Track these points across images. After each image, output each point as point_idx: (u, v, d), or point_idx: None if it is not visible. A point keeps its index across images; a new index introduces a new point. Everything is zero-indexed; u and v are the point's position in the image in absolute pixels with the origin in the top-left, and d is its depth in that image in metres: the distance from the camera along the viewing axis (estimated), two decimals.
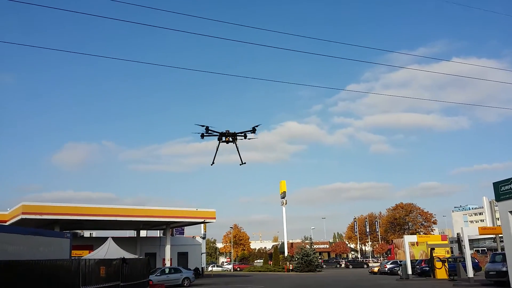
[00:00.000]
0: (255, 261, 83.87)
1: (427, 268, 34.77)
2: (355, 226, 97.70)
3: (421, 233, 79.25)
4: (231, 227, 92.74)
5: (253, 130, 15.27)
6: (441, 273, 32.22)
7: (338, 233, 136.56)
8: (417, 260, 39.84)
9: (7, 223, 33.00)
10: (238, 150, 15.48)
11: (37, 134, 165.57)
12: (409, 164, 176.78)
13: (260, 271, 60.87)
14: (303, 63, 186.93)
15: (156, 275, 30.64)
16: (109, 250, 22.89)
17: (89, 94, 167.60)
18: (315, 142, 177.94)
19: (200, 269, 49.46)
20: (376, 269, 47.10)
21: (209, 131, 14.73)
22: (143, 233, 51.28)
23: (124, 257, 16.82)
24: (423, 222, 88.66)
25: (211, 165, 16.26)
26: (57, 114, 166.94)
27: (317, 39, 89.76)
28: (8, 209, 37.13)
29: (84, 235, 52.46)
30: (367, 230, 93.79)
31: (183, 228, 61.10)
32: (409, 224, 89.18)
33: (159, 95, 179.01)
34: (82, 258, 12.80)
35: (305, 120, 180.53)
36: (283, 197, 74.54)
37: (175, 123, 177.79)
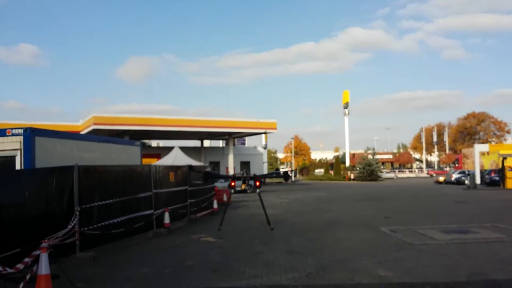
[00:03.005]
0: (316, 171, 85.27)
1: (497, 178, 33.62)
2: (422, 136, 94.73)
3: (493, 142, 75.84)
4: (292, 138, 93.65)
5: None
6: None
7: (402, 143, 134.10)
8: (486, 170, 38.54)
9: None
10: None
11: (101, 49, 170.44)
12: (485, 70, 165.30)
13: (321, 180, 61.99)
14: None
15: (220, 182, 32.02)
16: (176, 158, 23.92)
17: (148, 9, 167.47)
18: (381, 49, 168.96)
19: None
20: (442, 179, 46.36)
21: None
22: (206, 143, 53.15)
23: (191, 165, 17.45)
24: (495, 132, 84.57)
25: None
26: (118, 30, 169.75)
27: None
28: (80, 120, 39.34)
29: (152, 145, 55.17)
30: (434, 140, 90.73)
31: (244, 138, 62.50)
32: (481, 133, 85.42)
33: (216, 4, 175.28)
34: (152, 164, 13.37)
35: (370, 25, 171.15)
36: (345, 107, 73.41)
37: (234, 31, 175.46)
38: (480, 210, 16.84)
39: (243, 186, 10.98)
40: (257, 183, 11.24)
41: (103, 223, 10.06)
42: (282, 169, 79.78)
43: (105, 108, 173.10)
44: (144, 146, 43.10)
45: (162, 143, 56.41)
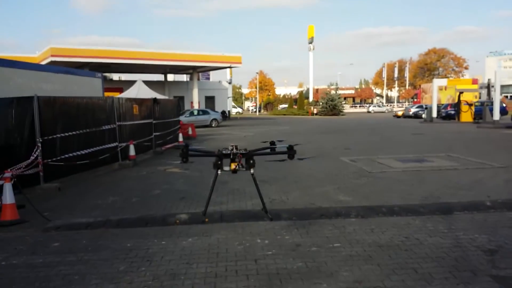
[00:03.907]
0: (280, 106, 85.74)
1: (453, 112, 34.99)
2: (383, 72, 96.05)
3: (452, 78, 77.91)
4: (257, 73, 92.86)
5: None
6: (466, 116, 32.43)
7: (364, 79, 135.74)
8: (443, 104, 39.93)
9: None
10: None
11: None
12: (449, 4, 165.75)
13: (284, 114, 62.56)
14: None
15: (185, 116, 31.81)
16: (140, 91, 23.46)
17: None
18: None
19: (227, 112, 51.09)
20: (400, 113, 47.79)
21: None
22: (170, 77, 52.02)
23: (155, 98, 17.21)
24: (454, 68, 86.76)
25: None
26: None
27: None
28: (37, 52, 37.46)
29: (113, 79, 53.57)
30: (395, 75, 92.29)
31: (209, 73, 61.58)
32: (440, 69, 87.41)
33: None
34: (115, 97, 13.10)
35: None
36: (310, 43, 72.76)
37: None
38: (435, 141, 17.65)
39: (232, 166, 6.10)
40: (251, 161, 7.04)
41: (67, 155, 9.98)
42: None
43: (63, 40, 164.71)
44: (106, 80, 41.71)
45: (124, 77, 54.79)
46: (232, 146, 6.34)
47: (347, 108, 68.70)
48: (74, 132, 10.32)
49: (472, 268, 4.47)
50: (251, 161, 6.39)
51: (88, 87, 15.02)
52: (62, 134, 9.92)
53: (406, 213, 6.61)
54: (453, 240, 5.35)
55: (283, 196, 7.94)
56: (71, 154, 10.13)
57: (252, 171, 6.42)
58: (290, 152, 6.61)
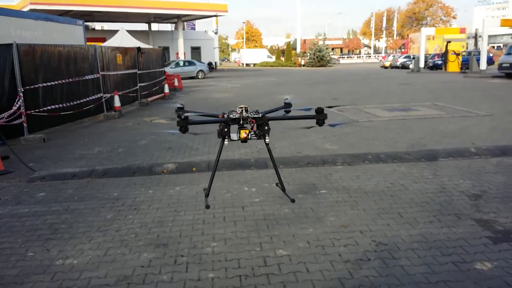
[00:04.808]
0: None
1: (440, 62, 34.88)
2: (371, 21, 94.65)
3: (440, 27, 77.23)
4: (244, 22, 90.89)
5: None
6: (453, 66, 32.39)
7: (353, 29, 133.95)
8: (430, 54, 39.71)
9: None
10: None
11: None
12: None
13: (272, 66, 61.86)
14: None
15: (171, 67, 31.22)
16: (123, 40, 22.80)
17: None
18: None
19: (214, 64, 50.29)
20: (387, 64, 47.46)
21: None
22: (154, 26, 50.62)
23: (139, 47, 16.77)
24: (442, 17, 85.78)
25: None
26: None
27: None
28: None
29: (96, 28, 51.95)
30: (384, 25, 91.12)
31: (194, 23, 59.95)
32: (428, 19, 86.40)
33: None
34: (97, 45, 12.69)
35: None
36: None
37: None
38: (421, 91, 17.66)
39: (242, 134, 4.57)
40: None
41: (50, 107, 9.77)
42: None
43: None
44: (88, 29, 40.52)
45: (107, 26, 53.06)
46: (241, 108, 4.92)
47: (342, 60, 67.98)
48: (56, 82, 10.05)
49: (456, 212, 4.56)
50: (266, 127, 5.02)
51: (69, 35, 14.53)
52: (45, 84, 9.67)
53: (392, 160, 6.67)
54: (438, 186, 5.43)
55: (271, 145, 7.91)
56: (55, 106, 9.92)
57: (267, 139, 5.09)
58: (320, 116, 5.07)
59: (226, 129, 4.89)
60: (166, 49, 42.42)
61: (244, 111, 4.93)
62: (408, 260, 3.56)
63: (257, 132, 5.05)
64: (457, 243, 3.84)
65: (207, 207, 4.89)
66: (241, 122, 4.91)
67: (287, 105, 5.68)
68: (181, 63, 33.91)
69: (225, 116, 4.99)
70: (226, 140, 4.95)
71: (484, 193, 5.13)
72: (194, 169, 6.49)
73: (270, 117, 5.10)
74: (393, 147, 7.51)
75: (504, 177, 5.75)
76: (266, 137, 5.05)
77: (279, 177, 5.27)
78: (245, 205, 5.00)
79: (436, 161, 6.60)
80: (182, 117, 4.73)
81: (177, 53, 41.79)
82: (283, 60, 64.51)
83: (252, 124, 4.98)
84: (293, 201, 5.00)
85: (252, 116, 4.95)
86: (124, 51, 14.59)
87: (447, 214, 4.52)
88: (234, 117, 4.91)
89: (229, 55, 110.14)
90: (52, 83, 9.92)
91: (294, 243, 3.94)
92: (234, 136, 4.95)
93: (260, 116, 4.99)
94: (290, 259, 3.63)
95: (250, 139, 5.00)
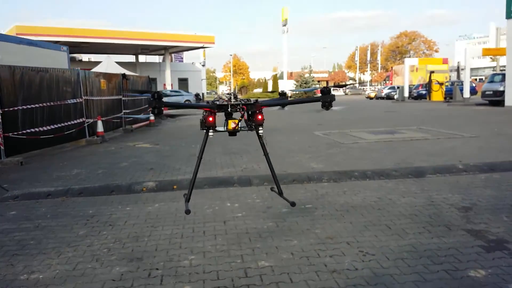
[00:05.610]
0: (254, 90, 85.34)
1: (424, 92, 35.39)
2: (356, 55, 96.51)
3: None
4: (231, 55, 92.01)
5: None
6: (437, 95, 32.86)
7: (338, 63, 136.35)
8: (414, 85, 40.36)
9: None
10: None
11: None
12: None
13: (259, 97, 62.17)
14: None
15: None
16: (109, 68, 22.71)
17: None
18: None
19: (201, 95, 50.40)
20: (373, 95, 48.09)
21: None
22: (142, 58, 50.89)
23: (124, 73, 16.67)
24: (425, 51, 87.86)
25: None
26: None
27: None
28: (1, 30, 35.96)
29: (83, 60, 52.03)
30: (368, 59, 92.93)
31: (182, 56, 60.50)
32: (411, 52, 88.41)
33: None
34: (80, 70, 12.54)
35: None
36: (284, 25, 72.08)
37: None
38: (407, 117, 17.73)
39: (231, 124, 4.12)
40: (259, 117, 4.30)
41: (30, 130, 9.51)
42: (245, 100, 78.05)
43: (30, 22, 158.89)
44: (75, 61, 40.57)
45: (94, 57, 53.22)
46: (228, 94, 4.23)
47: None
48: (37, 105, 9.83)
49: (446, 224, 4.38)
50: (260, 116, 4.20)
51: (53, 60, 14.38)
52: (25, 106, 9.44)
53: (379, 176, 6.52)
54: (427, 200, 5.27)
55: (255, 165, 7.73)
56: (35, 129, 9.67)
57: (261, 131, 4.24)
58: (326, 98, 4.20)
59: (211, 119, 4.09)
60: (153, 80, 42.51)
61: (232, 97, 4.20)
62: (398, 269, 3.35)
63: (248, 123, 4.27)
64: (448, 252, 3.64)
65: (187, 212, 4.18)
66: (229, 109, 4.09)
67: (282, 95, 5.11)
68: (168, 92, 33.86)
69: (211, 103, 4.21)
70: (210, 131, 4.17)
71: (474, 206, 4.97)
72: (175, 186, 6.25)
73: (264, 102, 4.37)
74: (380, 164, 7.36)
75: (493, 191, 5.61)
76: (260, 129, 4.21)
77: (275, 179, 4.54)
78: (227, 220, 4.76)
79: (424, 177, 6.46)
80: (155, 96, 3.95)
81: (164, 84, 41.87)
82: (270, 92, 64.96)
83: (242, 112, 4.15)
84: (293, 204, 4.44)
85: (242, 102, 4.16)
86: (109, 76, 14.46)
87: (437, 225, 4.34)
88: (222, 103, 4.12)
89: (216, 87, 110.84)
90: (33, 106, 9.70)
91: (277, 255, 3.71)
92: (220, 127, 4.21)
93: (252, 102, 4.23)
94: (272, 270, 3.40)
95: (240, 130, 4.20)
